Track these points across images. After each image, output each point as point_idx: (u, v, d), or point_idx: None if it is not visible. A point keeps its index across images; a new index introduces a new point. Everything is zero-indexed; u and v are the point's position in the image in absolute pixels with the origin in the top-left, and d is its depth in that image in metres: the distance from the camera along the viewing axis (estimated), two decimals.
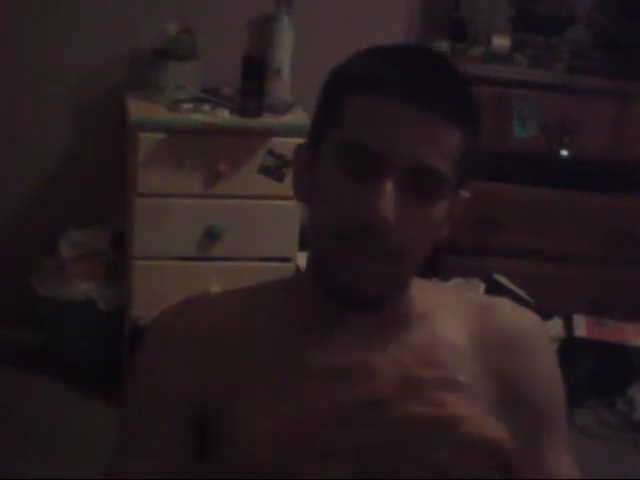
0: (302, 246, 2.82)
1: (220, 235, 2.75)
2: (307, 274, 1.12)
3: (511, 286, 2.96)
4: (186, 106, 2.72)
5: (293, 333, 1.09)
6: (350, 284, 1.00)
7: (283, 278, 1.20)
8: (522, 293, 2.93)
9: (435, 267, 2.88)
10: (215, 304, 1.17)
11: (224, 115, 2.72)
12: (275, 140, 2.74)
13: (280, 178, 2.74)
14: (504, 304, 1.17)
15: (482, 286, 2.93)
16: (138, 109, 2.73)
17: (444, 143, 0.99)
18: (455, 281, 2.92)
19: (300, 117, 2.79)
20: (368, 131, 0.98)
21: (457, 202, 1.06)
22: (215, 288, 2.74)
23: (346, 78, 1.03)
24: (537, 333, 1.15)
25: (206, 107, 2.72)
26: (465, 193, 1.07)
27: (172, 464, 1.06)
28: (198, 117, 2.69)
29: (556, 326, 2.95)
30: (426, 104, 0.97)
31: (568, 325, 3.01)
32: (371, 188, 0.97)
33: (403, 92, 0.97)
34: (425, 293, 1.12)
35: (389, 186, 0.96)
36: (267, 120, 2.74)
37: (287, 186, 2.75)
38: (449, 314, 1.12)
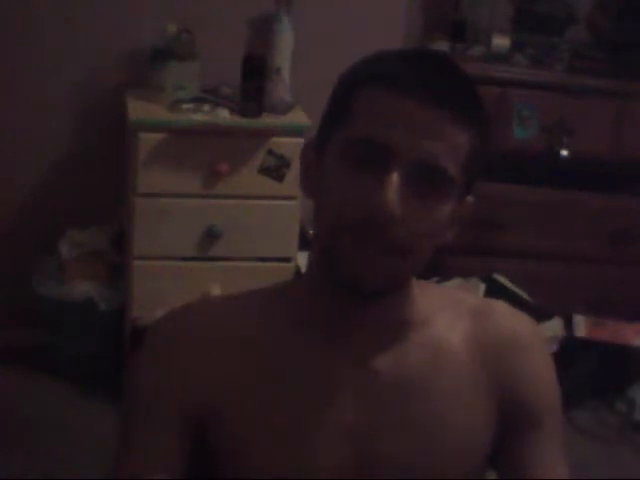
0: (302, 246, 2.82)
1: (220, 235, 2.75)
2: (308, 276, 1.12)
3: (511, 286, 2.96)
4: (186, 106, 2.71)
5: (295, 337, 1.09)
6: (355, 275, 1.00)
7: (285, 281, 1.20)
8: (522, 293, 2.93)
9: (435, 267, 2.88)
10: (216, 308, 1.18)
11: (224, 115, 2.72)
12: (275, 140, 2.74)
13: (280, 178, 2.74)
14: (499, 307, 1.18)
15: (482, 286, 2.93)
16: (138, 109, 2.73)
17: (453, 143, 0.99)
18: (455, 281, 2.92)
19: (300, 117, 2.79)
20: (377, 125, 0.98)
21: (462, 207, 1.06)
22: (215, 288, 2.74)
23: (356, 75, 1.04)
24: (531, 335, 1.16)
25: (206, 107, 2.72)
26: (470, 199, 1.08)
27: (172, 465, 1.07)
28: (198, 117, 2.69)
29: (556, 326, 2.95)
30: (437, 103, 0.98)
31: (568, 325, 3.01)
32: (377, 181, 0.97)
33: (414, 89, 0.98)
34: (425, 295, 1.13)
35: (395, 179, 0.97)
36: (267, 120, 2.74)
37: (287, 186, 2.75)
38: (447, 317, 1.13)
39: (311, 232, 2.84)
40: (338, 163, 1.01)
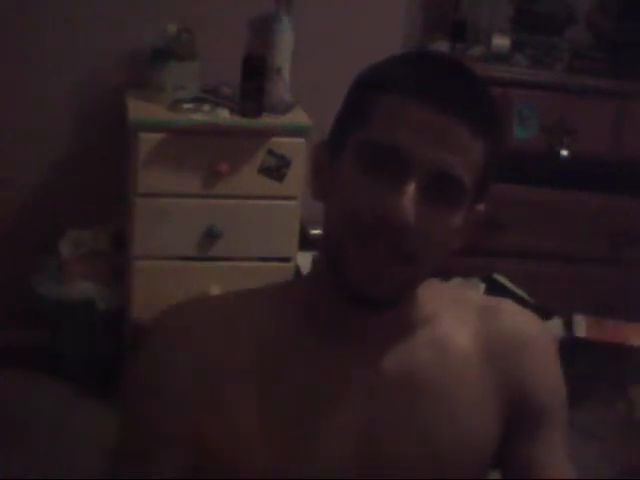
0: (302, 246, 2.82)
1: (220, 235, 2.75)
2: (311, 277, 1.12)
3: (511, 286, 2.96)
4: (186, 106, 2.72)
5: (297, 337, 1.09)
6: (363, 282, 1.00)
7: (286, 281, 1.20)
8: (522, 293, 2.93)
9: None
10: (214, 306, 1.17)
11: (224, 115, 2.72)
12: (275, 140, 2.74)
13: (280, 178, 2.74)
14: (507, 305, 1.18)
15: (482, 286, 2.93)
16: (138, 109, 2.73)
17: (469, 154, 0.99)
18: (455, 281, 2.92)
19: (300, 117, 2.79)
20: (396, 132, 0.98)
21: (472, 215, 1.06)
22: (215, 288, 2.74)
23: (377, 79, 1.03)
24: (539, 333, 1.16)
25: (206, 107, 2.72)
26: (481, 207, 1.08)
27: (174, 466, 1.06)
28: (198, 117, 2.69)
29: (556, 326, 2.95)
30: (457, 113, 0.98)
31: (568, 325, 3.01)
32: (393, 187, 0.97)
33: (435, 98, 0.98)
34: (430, 294, 1.13)
35: (412, 187, 0.97)
36: (267, 120, 2.74)
37: (287, 186, 2.75)
38: (454, 315, 1.13)
39: (311, 232, 2.85)
40: (352, 166, 1.01)
